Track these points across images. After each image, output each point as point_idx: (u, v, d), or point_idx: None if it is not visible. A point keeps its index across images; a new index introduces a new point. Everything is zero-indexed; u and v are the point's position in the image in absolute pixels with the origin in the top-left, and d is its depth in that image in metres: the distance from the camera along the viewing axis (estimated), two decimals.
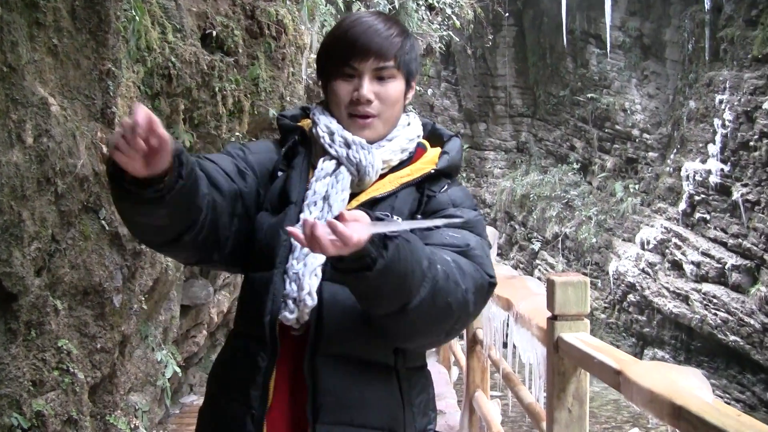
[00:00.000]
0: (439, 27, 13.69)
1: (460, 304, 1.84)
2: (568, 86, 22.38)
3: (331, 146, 2.08)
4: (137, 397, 5.41)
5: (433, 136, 2.26)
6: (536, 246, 22.02)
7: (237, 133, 6.27)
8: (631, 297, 18.44)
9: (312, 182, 2.06)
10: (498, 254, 18.45)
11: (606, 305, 19.31)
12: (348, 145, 2.06)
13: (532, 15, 23.33)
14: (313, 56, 7.25)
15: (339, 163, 2.07)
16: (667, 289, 17.15)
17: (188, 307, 7.09)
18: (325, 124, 2.11)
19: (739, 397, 15.32)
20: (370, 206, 2.01)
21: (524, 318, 4.06)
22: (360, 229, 1.61)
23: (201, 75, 5.62)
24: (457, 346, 8.32)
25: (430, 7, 13.49)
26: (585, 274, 14.82)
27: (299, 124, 2.23)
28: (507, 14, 21.99)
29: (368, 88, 2.07)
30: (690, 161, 16.99)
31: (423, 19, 12.89)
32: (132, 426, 4.83)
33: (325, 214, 1.98)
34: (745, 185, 15.13)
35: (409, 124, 2.20)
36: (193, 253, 2.07)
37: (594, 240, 19.90)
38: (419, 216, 2.05)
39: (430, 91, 23.86)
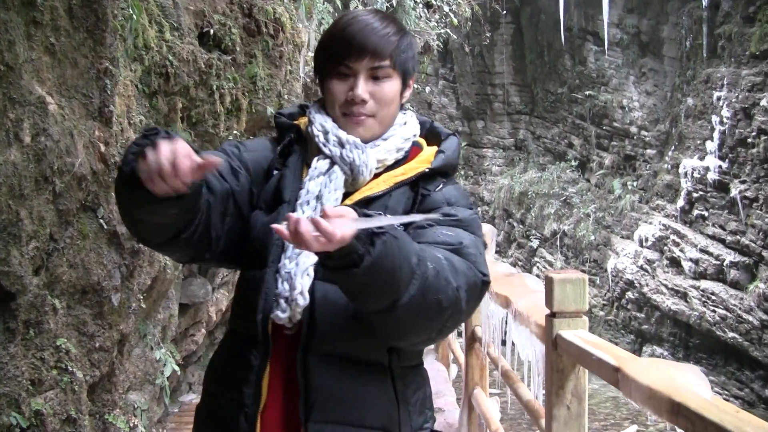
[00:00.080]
0: (436, 25, 13.69)
1: (451, 301, 1.83)
2: (566, 83, 22.39)
3: (325, 145, 2.07)
4: (136, 395, 5.41)
5: (431, 135, 2.25)
6: (535, 243, 22.03)
7: (235, 132, 6.27)
8: (629, 294, 18.46)
9: (305, 181, 2.06)
10: (496, 252, 18.46)
11: (604, 302, 19.33)
12: (342, 145, 2.06)
13: (530, 12, 23.33)
14: (311, 54, 7.26)
15: (333, 163, 2.06)
16: (666, 286, 17.16)
17: (187, 305, 7.09)
18: (320, 123, 2.11)
19: (738, 393, 15.34)
20: (363, 205, 2.00)
21: (523, 315, 4.06)
22: (343, 225, 1.60)
23: (198, 73, 5.62)
24: (456, 343, 8.32)
25: (428, 5, 13.49)
26: (583, 271, 14.81)
27: (296, 122, 2.22)
28: (504, 12, 22.00)
29: (363, 87, 2.06)
30: (688, 158, 17.00)
31: (420, 16, 12.90)
32: (131, 425, 4.83)
33: (317, 213, 1.97)
34: (743, 182, 15.14)
35: (405, 123, 2.19)
36: (187, 251, 2.08)
37: (592, 237, 19.91)
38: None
39: (428, 89, 23.86)
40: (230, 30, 6.03)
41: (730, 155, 15.48)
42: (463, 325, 6.56)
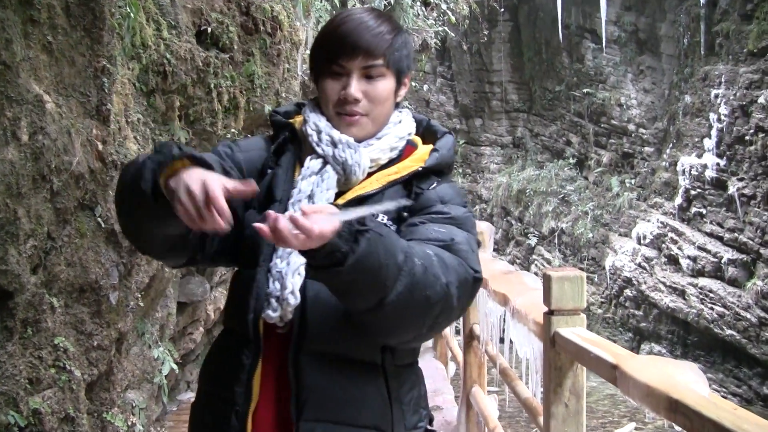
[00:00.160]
0: (434, 23, 13.69)
1: (440, 297, 1.82)
2: (563, 81, 22.39)
3: (318, 144, 2.07)
4: (134, 394, 5.41)
5: (428, 133, 2.25)
6: (533, 241, 22.04)
7: (233, 130, 6.27)
8: (627, 292, 18.46)
9: (298, 180, 2.06)
10: (494, 250, 18.47)
11: (602, 300, 19.33)
12: (334, 144, 2.05)
13: (528, 10, 23.33)
14: (309, 52, 7.24)
15: (325, 162, 2.06)
16: (664, 283, 17.17)
17: (185, 304, 7.09)
18: (314, 122, 2.11)
19: (736, 391, 15.35)
20: (355, 204, 1.99)
21: (521, 313, 4.06)
22: (321, 220, 1.60)
23: (196, 71, 5.62)
24: (454, 341, 8.32)
25: (426, 3, 13.49)
26: (581, 269, 14.79)
27: (291, 120, 2.22)
28: (502, 9, 21.98)
29: (356, 87, 2.05)
30: (686, 156, 17.01)
31: (418, 14, 12.89)
32: (129, 423, 4.83)
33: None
34: (741, 179, 15.14)
35: (400, 122, 2.18)
36: (182, 255, 2.08)
37: (590, 235, 19.92)
38: (406, 214, 2.05)
39: (425, 87, 23.85)
40: (228, 28, 6.03)
41: (728, 153, 15.48)
42: (461, 322, 6.56)
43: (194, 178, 1.70)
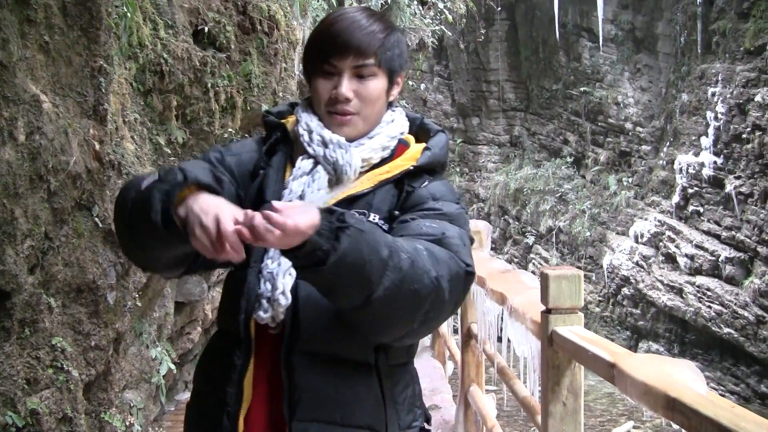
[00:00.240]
0: (431, 22, 13.68)
1: (430, 291, 1.80)
2: (560, 80, 22.40)
3: (309, 145, 2.07)
4: (132, 394, 5.41)
5: (422, 131, 2.24)
6: (530, 240, 22.06)
7: (230, 129, 6.26)
8: (625, 290, 18.48)
9: (289, 181, 2.06)
10: (492, 249, 18.47)
11: (600, 299, 19.35)
12: (325, 144, 2.05)
13: (525, 9, 23.34)
14: None
15: (316, 162, 2.06)
16: (661, 282, 17.19)
17: (182, 303, 7.08)
18: (305, 122, 2.10)
19: (734, 389, 15.37)
20: (347, 204, 2.00)
21: (518, 312, 4.06)
22: (295, 213, 1.60)
23: (193, 71, 5.61)
24: (452, 340, 8.33)
25: (423, 2, 13.49)
26: (579, 267, 14.81)
27: (284, 120, 2.22)
28: (499, 8, 22.00)
29: (347, 86, 2.05)
30: (683, 154, 17.02)
31: (415, 13, 12.89)
32: (127, 423, 4.83)
33: None
34: (738, 178, 15.16)
35: (393, 121, 2.18)
36: (181, 269, 2.07)
37: (588, 233, 19.93)
38: (397, 212, 2.04)
39: (422, 86, 23.84)
40: (225, 27, 6.03)
41: (725, 151, 15.50)
42: (458, 322, 6.56)
43: (205, 209, 1.70)
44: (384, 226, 2.02)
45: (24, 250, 3.20)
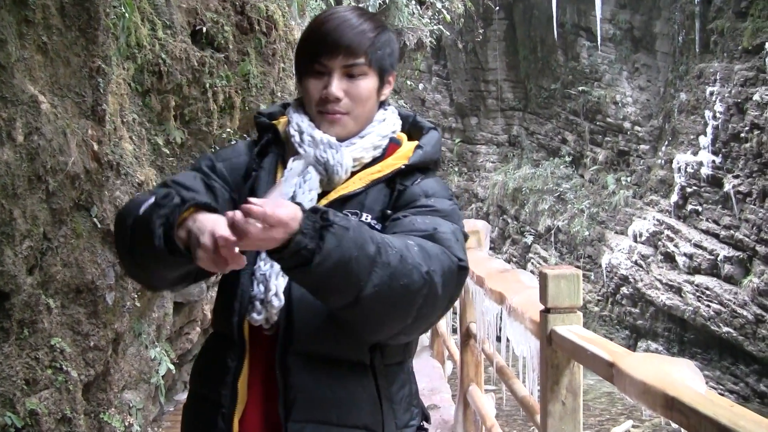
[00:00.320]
0: (429, 21, 13.69)
1: (421, 286, 1.79)
2: (559, 79, 22.42)
3: (300, 145, 2.06)
4: (131, 394, 5.41)
5: (414, 129, 2.24)
6: (529, 239, 22.06)
7: (228, 129, 6.26)
8: (624, 289, 18.49)
9: (280, 182, 2.05)
10: (491, 248, 18.47)
11: (599, 298, 19.36)
12: (316, 145, 2.04)
13: (523, 8, 23.35)
14: None
15: (307, 163, 2.05)
16: (660, 281, 17.20)
17: (181, 304, 7.07)
18: (296, 123, 2.10)
19: (733, 388, 15.38)
20: (339, 204, 2.00)
21: (517, 311, 4.06)
22: (273, 205, 1.60)
23: (191, 71, 5.61)
24: (451, 340, 8.32)
25: (421, 2, 13.49)
26: (578, 267, 14.76)
27: (276, 121, 2.21)
28: (497, 8, 22.00)
29: (337, 85, 2.04)
30: (681, 153, 17.03)
31: (413, 13, 12.89)
32: (126, 424, 4.83)
33: None
34: (737, 177, 15.17)
35: (384, 120, 2.17)
36: (183, 284, 2.09)
37: (586, 233, 19.94)
38: (389, 211, 2.03)
39: (421, 86, 23.85)
40: (223, 28, 6.03)
41: (724, 150, 15.51)
42: (458, 321, 6.56)
43: (202, 228, 1.71)
44: (377, 226, 2.01)
45: (23, 251, 3.20)
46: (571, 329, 3.28)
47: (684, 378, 2.27)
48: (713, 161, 15.81)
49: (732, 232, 15.32)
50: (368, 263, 1.71)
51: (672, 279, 16.81)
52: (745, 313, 14.81)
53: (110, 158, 4.15)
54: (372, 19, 2.12)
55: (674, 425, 2.21)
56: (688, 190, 16.66)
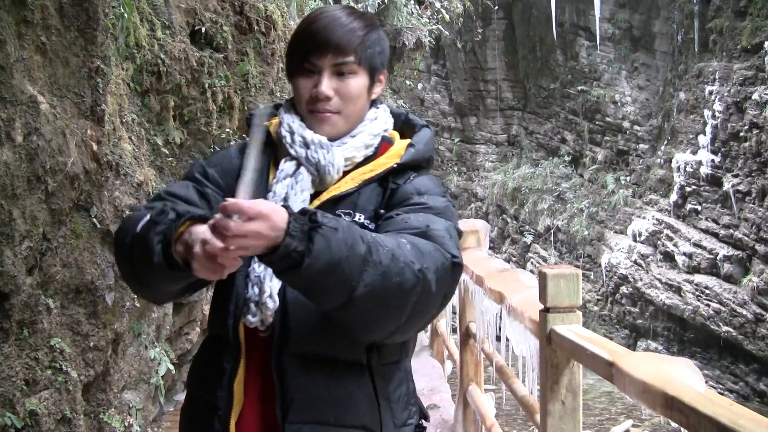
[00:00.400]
0: (428, 21, 13.68)
1: (414, 284, 1.78)
2: (558, 79, 22.42)
3: (291, 146, 2.06)
4: (131, 395, 5.40)
5: (407, 127, 2.23)
6: (528, 239, 22.06)
7: (227, 129, 6.26)
8: (623, 289, 18.49)
9: (273, 184, 2.05)
10: (490, 248, 18.47)
11: (599, 297, 19.36)
12: (307, 145, 2.04)
13: (522, 8, 23.35)
14: None
15: (299, 164, 2.05)
16: (660, 280, 17.20)
17: (181, 304, 7.07)
18: (287, 123, 2.09)
19: (733, 387, 15.39)
20: (332, 205, 2.00)
21: (517, 311, 4.06)
22: (243, 196, 1.63)
23: (190, 71, 5.61)
24: (451, 340, 8.32)
25: (419, 1, 13.49)
26: (577, 266, 14.77)
27: (268, 123, 2.20)
28: (496, 7, 22.01)
29: (327, 84, 2.04)
30: (681, 152, 17.04)
31: (412, 13, 12.88)
32: (126, 424, 4.82)
33: None
34: (736, 176, 15.18)
35: (376, 119, 2.16)
36: (186, 294, 2.08)
37: (586, 232, 19.94)
38: (382, 210, 2.03)
39: (420, 86, 23.86)
40: (222, 28, 6.03)
41: (723, 149, 15.51)
42: (457, 321, 6.57)
43: (195, 239, 1.72)
44: (370, 226, 2.00)
45: (22, 251, 3.20)
46: (571, 329, 3.28)
47: (684, 377, 2.27)
48: (712, 160, 15.82)
49: (731, 231, 15.32)
50: (359, 263, 1.70)
51: (671, 278, 16.81)
52: (744, 312, 14.82)
53: (109, 158, 4.15)
54: (362, 18, 2.12)
55: (674, 424, 2.21)
56: (688, 189, 16.66)
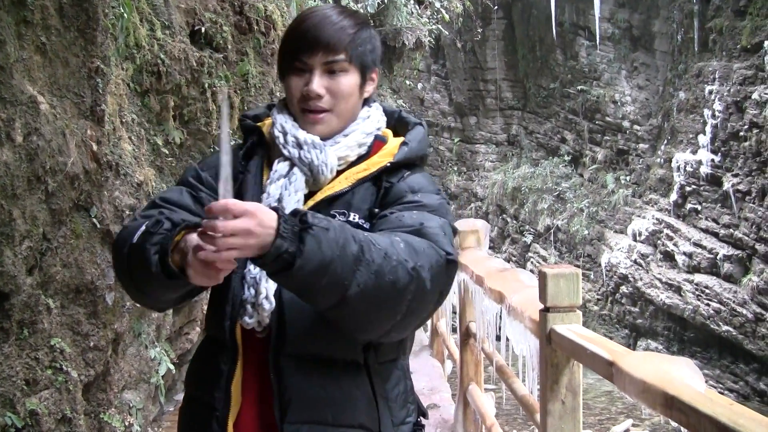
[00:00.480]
0: (428, 21, 13.69)
1: (408, 282, 1.78)
2: (557, 78, 22.42)
3: (284, 147, 2.06)
4: (131, 394, 5.40)
5: (400, 125, 2.23)
6: (528, 239, 22.06)
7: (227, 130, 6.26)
8: (623, 288, 18.49)
9: (267, 185, 2.05)
10: (490, 248, 18.47)
11: (599, 297, 19.36)
12: (300, 146, 2.04)
13: (521, 7, 23.34)
14: None
15: (293, 164, 2.04)
16: (660, 280, 17.20)
17: None
18: (280, 123, 2.09)
19: (733, 387, 15.38)
20: (326, 204, 2.00)
21: (517, 310, 4.06)
22: (225, 194, 1.64)
23: (190, 71, 5.61)
24: (451, 339, 8.32)
25: (419, 1, 13.49)
26: (577, 266, 14.80)
27: (260, 124, 2.21)
28: (496, 7, 22.00)
29: (318, 82, 2.03)
30: (680, 152, 17.03)
31: (412, 12, 12.89)
32: (126, 424, 4.83)
33: None
34: (736, 175, 15.17)
35: (368, 117, 2.16)
36: (187, 300, 2.10)
37: (586, 232, 19.94)
38: (377, 209, 2.03)
39: (419, 85, 23.86)
40: (221, 28, 6.03)
41: (723, 149, 15.51)
42: (457, 321, 6.57)
43: (189, 247, 1.74)
44: (365, 225, 2.00)
45: (22, 251, 3.20)
46: (571, 328, 3.28)
47: (683, 377, 2.26)
48: (712, 160, 15.81)
49: (731, 230, 15.32)
50: (351, 263, 1.71)
51: (671, 278, 16.81)
52: (744, 311, 14.81)
53: (109, 158, 4.15)
54: (353, 16, 2.12)
55: (674, 424, 2.21)
56: (688, 188, 16.66)
